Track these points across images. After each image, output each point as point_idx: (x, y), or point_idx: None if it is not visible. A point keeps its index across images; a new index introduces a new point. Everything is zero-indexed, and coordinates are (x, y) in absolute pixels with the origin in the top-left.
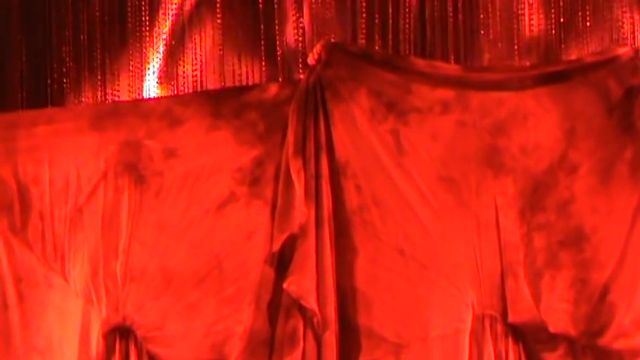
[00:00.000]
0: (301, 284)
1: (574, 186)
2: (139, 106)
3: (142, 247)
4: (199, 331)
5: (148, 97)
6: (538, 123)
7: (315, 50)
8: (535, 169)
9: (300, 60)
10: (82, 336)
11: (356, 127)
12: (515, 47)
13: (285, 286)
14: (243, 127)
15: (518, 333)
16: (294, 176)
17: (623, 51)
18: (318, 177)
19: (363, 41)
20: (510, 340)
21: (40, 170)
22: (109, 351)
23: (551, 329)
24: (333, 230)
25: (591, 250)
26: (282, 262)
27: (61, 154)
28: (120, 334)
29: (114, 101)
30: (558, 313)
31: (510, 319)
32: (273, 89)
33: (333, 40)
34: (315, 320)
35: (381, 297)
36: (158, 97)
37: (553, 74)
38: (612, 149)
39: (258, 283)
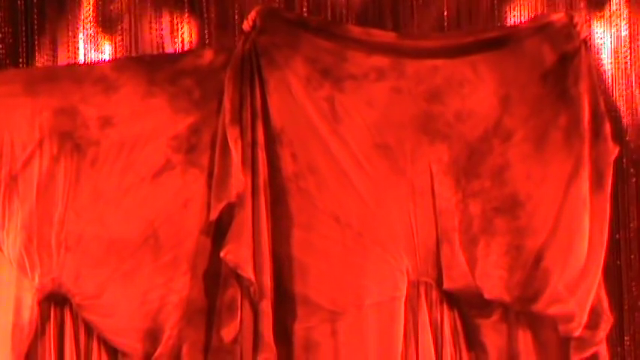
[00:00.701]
0: (238, 253)
1: (508, 153)
2: (73, 70)
3: (78, 216)
4: (135, 299)
5: (82, 62)
6: (473, 90)
7: (249, 16)
8: (470, 135)
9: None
10: (16, 306)
11: (291, 94)
12: (446, 14)
13: (222, 255)
14: (179, 93)
15: (453, 300)
16: (231, 144)
17: (557, 17)
18: (254, 145)
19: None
20: (445, 306)
21: None
22: (43, 319)
23: (486, 295)
24: (269, 198)
25: (526, 217)
26: (218, 230)
27: None
28: (55, 302)
29: (47, 66)
30: (493, 280)
31: (445, 285)
32: (208, 55)
33: (267, 7)
34: (252, 289)
35: (317, 265)
36: (92, 62)
37: (488, 41)
38: (546, 116)
39: (194, 251)
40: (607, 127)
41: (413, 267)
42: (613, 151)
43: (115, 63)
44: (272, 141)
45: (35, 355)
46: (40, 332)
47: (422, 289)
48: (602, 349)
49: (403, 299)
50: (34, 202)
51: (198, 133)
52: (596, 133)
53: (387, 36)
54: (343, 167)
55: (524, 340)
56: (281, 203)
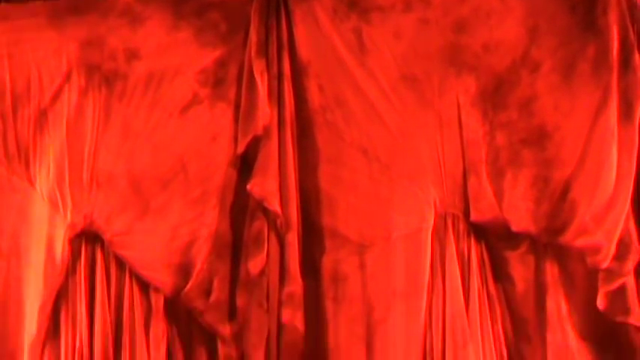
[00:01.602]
0: (264, 186)
1: (536, 84)
2: (98, 2)
3: (108, 151)
4: (166, 234)
5: None
6: (501, 20)
7: None
8: (497, 67)
9: None
10: (48, 242)
11: (318, 25)
12: None
13: (248, 187)
14: (205, 27)
15: (480, 231)
16: (257, 77)
17: None
18: (280, 77)
19: None
20: (472, 238)
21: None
22: (74, 256)
23: (514, 228)
24: (295, 131)
25: (553, 149)
26: (246, 164)
27: (20, 52)
28: (86, 239)
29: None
30: (520, 212)
31: (472, 217)
32: None
33: None
34: (278, 222)
35: (345, 197)
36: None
37: None
38: (575, 47)
39: (223, 185)
40: (636, 58)
41: (440, 199)
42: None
43: None
44: (299, 73)
45: (66, 293)
46: (71, 269)
47: (449, 221)
48: (630, 281)
49: (430, 231)
50: (64, 138)
51: (225, 67)
52: (625, 63)
53: None
54: (370, 99)
55: (552, 272)
56: (308, 136)
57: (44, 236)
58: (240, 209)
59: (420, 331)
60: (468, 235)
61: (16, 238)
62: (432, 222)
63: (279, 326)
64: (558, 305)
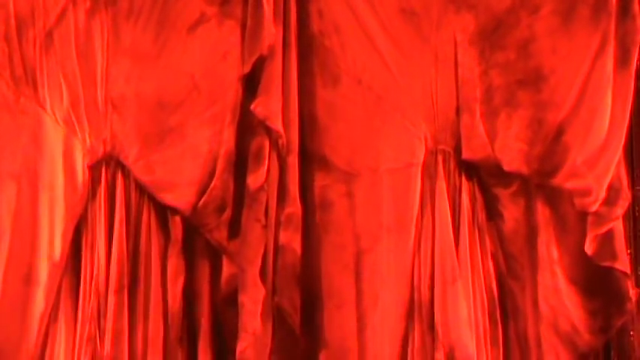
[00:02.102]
0: (268, 106)
1: (535, 26)
2: None
3: (120, 73)
4: (185, 154)
5: None
6: None
7: None
8: (497, 6)
9: None
10: (66, 167)
11: None
12: None
13: (252, 107)
14: None
15: (471, 169)
16: None
17: None
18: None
19: None
20: (463, 176)
21: None
22: (94, 181)
23: (505, 167)
24: (298, 54)
25: (549, 91)
26: (251, 83)
27: None
28: (106, 164)
29: None
30: (513, 152)
31: (464, 155)
32: None
33: None
34: (280, 142)
35: (335, 124)
36: None
37: None
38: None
39: (235, 102)
40: (635, 6)
41: (431, 135)
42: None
43: None
44: None
45: (86, 219)
46: (91, 195)
47: (440, 158)
48: (618, 226)
49: (420, 167)
50: (75, 60)
51: None
52: (624, 10)
53: None
54: (367, 29)
55: (543, 213)
56: (306, 60)
57: (60, 160)
58: (248, 127)
59: (407, 265)
60: (459, 173)
61: (28, 160)
62: (422, 158)
63: (277, 247)
64: (549, 247)
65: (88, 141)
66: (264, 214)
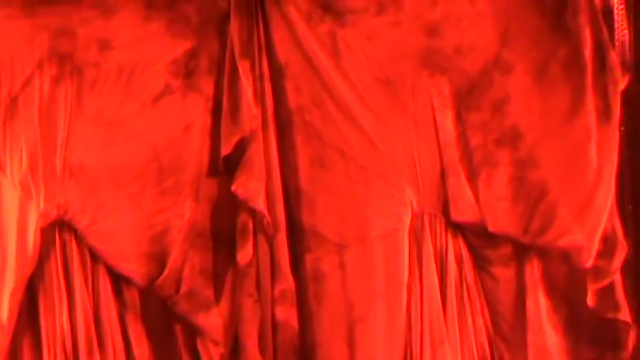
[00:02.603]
0: (249, 186)
1: (508, 86)
2: None
3: (80, 141)
4: (140, 223)
5: None
6: (472, 24)
7: None
8: (470, 69)
9: None
10: (19, 229)
11: (294, 29)
12: None
13: (232, 188)
14: (177, 19)
15: (458, 230)
16: (243, 78)
17: None
18: (261, 78)
19: None
20: (450, 237)
21: None
22: (47, 245)
23: (490, 227)
24: (276, 132)
25: (526, 149)
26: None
27: None
28: (59, 228)
29: None
30: (497, 211)
31: (453, 217)
32: None
33: None
34: (265, 222)
35: (323, 197)
36: None
37: None
38: (546, 49)
39: (196, 174)
40: (612, 57)
41: (417, 199)
42: (620, 80)
43: None
44: (277, 75)
45: (43, 281)
46: (45, 258)
47: (426, 221)
48: (617, 278)
49: (407, 231)
50: (37, 126)
51: (196, 58)
52: (601, 63)
53: None
54: (346, 101)
55: (532, 272)
56: (287, 136)
57: (14, 222)
58: (215, 199)
59: (400, 329)
60: (446, 235)
61: None
62: (408, 222)
63: (274, 323)
64: (537, 306)
65: (42, 205)
66: (256, 288)
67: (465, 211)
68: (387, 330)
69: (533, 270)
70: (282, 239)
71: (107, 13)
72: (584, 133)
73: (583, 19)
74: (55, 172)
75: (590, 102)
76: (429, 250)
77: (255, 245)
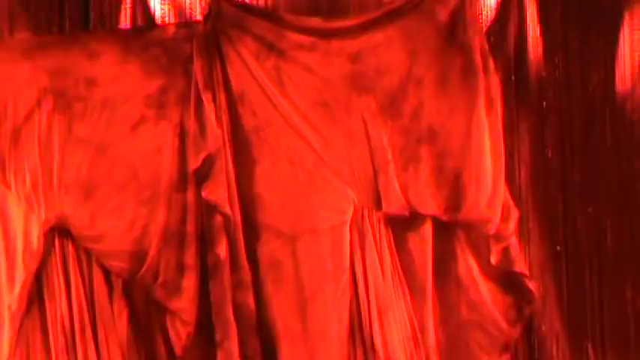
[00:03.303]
0: (217, 193)
1: (421, 95)
2: (63, 40)
3: (72, 162)
4: (123, 228)
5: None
6: (386, 49)
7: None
8: (389, 86)
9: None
10: (25, 235)
11: (247, 65)
12: None
13: (204, 195)
14: (149, 60)
15: (389, 220)
16: (207, 106)
17: None
18: (219, 107)
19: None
20: (383, 224)
21: None
22: (48, 246)
23: (422, 211)
24: (233, 149)
25: (442, 144)
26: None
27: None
28: (58, 232)
29: (40, 36)
30: (425, 197)
31: (384, 208)
32: (171, 29)
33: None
34: (230, 221)
35: (277, 198)
36: (77, 33)
37: (392, 11)
38: (446, 61)
39: (168, 187)
40: (491, 63)
41: (356, 196)
42: (498, 81)
43: (97, 35)
44: (235, 102)
45: (46, 275)
46: (47, 257)
47: (365, 213)
48: (514, 240)
49: (349, 222)
50: (36, 151)
51: (167, 93)
52: (486, 69)
53: (314, 20)
54: (293, 122)
55: (459, 240)
56: (246, 152)
57: (21, 230)
58: (183, 207)
59: (346, 303)
60: (380, 223)
61: None
62: (350, 215)
63: (235, 306)
64: (468, 266)
65: (42, 215)
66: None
67: (393, 203)
68: (335, 305)
69: (459, 239)
70: (239, 236)
71: (92, 56)
72: (481, 126)
73: (471, 32)
74: (53, 189)
75: (482, 100)
76: (369, 236)
77: (226, 241)
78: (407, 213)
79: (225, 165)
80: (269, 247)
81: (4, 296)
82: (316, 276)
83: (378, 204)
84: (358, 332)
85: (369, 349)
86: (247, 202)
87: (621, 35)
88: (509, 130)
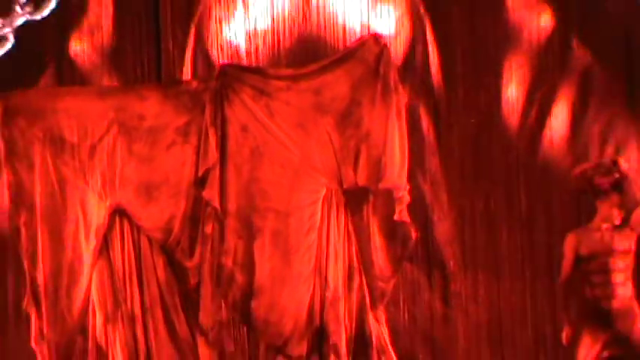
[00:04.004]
0: (210, 193)
1: (360, 112)
2: (122, 88)
3: (128, 170)
4: (159, 213)
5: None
6: (336, 84)
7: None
8: (340, 108)
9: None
10: (97, 215)
11: (246, 105)
12: None
13: (203, 194)
14: (179, 104)
15: (347, 196)
16: (211, 137)
17: (370, 38)
18: (223, 136)
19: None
20: (342, 199)
21: (71, 122)
22: (112, 222)
23: (360, 184)
24: (235, 164)
25: (373, 141)
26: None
27: (81, 113)
28: (119, 214)
29: (108, 85)
30: (363, 175)
31: (344, 186)
32: (195, 83)
33: (228, 64)
34: (218, 212)
35: (275, 189)
36: (133, 85)
37: (338, 59)
38: (373, 88)
39: (187, 187)
40: (400, 87)
41: (326, 182)
42: (405, 99)
43: (145, 85)
44: (240, 131)
45: (110, 241)
46: (111, 229)
47: (332, 193)
48: (406, 196)
49: (321, 200)
50: (105, 162)
51: (190, 126)
52: (396, 91)
53: (287, 71)
54: (281, 139)
55: (372, 207)
56: (251, 162)
57: (95, 212)
58: (196, 200)
59: (314, 252)
60: (342, 197)
61: (78, 211)
62: (323, 194)
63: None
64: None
65: (108, 203)
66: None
67: (349, 182)
68: (306, 253)
69: (372, 206)
70: (229, 222)
71: (142, 99)
72: (393, 127)
73: (388, 68)
74: (115, 187)
75: (394, 111)
76: (334, 207)
77: (214, 224)
78: (356, 187)
79: (220, 174)
80: (270, 221)
81: (84, 252)
82: (297, 235)
83: (340, 185)
84: (317, 272)
85: (323, 282)
86: (254, 193)
87: (505, 68)
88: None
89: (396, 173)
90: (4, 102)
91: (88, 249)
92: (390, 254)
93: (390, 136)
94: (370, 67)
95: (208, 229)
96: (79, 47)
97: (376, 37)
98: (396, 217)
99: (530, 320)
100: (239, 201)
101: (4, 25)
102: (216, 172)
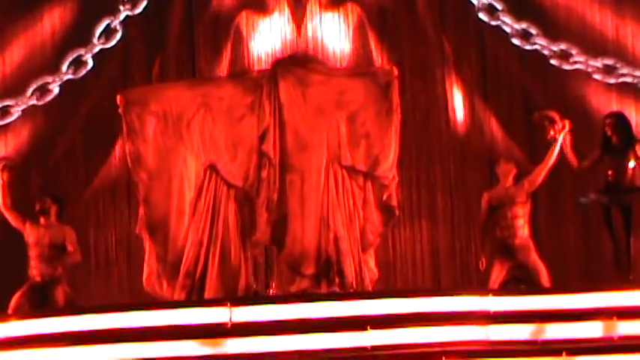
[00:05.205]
0: (267, 147)
1: (365, 115)
2: (205, 80)
3: (213, 137)
4: (237, 167)
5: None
6: (354, 90)
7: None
8: (353, 108)
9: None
10: (197, 172)
11: (288, 90)
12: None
13: (262, 148)
14: (246, 87)
15: (344, 168)
16: (266, 108)
17: (387, 68)
18: (275, 109)
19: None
20: (342, 169)
21: (172, 107)
22: (205, 174)
23: (358, 168)
24: (280, 129)
25: (372, 138)
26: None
27: (177, 99)
28: (210, 169)
29: (194, 78)
30: (361, 162)
31: (342, 163)
32: (256, 72)
33: (279, 58)
34: (272, 160)
35: (297, 155)
36: (211, 78)
37: (362, 72)
38: (381, 104)
39: (256, 146)
40: (399, 109)
41: (328, 156)
42: (398, 109)
43: (222, 77)
44: (282, 107)
45: (206, 189)
46: (205, 180)
47: (334, 163)
48: (393, 185)
49: (324, 167)
50: (198, 133)
51: (255, 102)
52: (396, 108)
53: (324, 68)
54: (307, 117)
55: (370, 187)
56: (285, 132)
57: (193, 168)
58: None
59: (320, 201)
60: (341, 169)
61: (181, 169)
62: (324, 164)
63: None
64: (370, 202)
65: (202, 161)
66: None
67: (346, 161)
68: (316, 201)
69: (369, 186)
70: (274, 170)
71: (219, 86)
72: (391, 137)
73: (395, 94)
74: (207, 149)
75: (393, 126)
76: (331, 174)
77: (268, 170)
78: (353, 169)
79: (271, 135)
80: (291, 176)
81: (186, 197)
82: (310, 188)
83: (339, 162)
84: (321, 219)
85: (326, 225)
86: (287, 157)
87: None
88: None
89: (389, 164)
90: (125, 96)
91: (188, 195)
92: (380, 219)
93: (387, 143)
94: (382, 89)
95: (264, 173)
96: None
97: (391, 69)
98: (384, 199)
99: (458, 254)
100: (282, 156)
101: (85, 53)
102: (270, 133)
